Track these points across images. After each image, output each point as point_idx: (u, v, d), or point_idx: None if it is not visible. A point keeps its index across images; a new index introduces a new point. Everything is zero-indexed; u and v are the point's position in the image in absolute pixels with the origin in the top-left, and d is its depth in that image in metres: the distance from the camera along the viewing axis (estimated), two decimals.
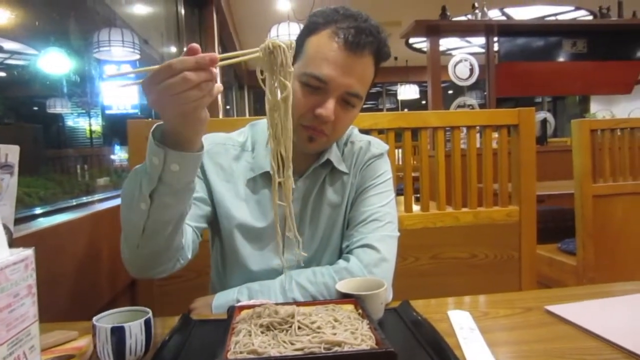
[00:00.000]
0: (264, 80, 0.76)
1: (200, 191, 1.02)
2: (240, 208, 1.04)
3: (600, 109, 8.54)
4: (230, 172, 1.05)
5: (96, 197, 1.76)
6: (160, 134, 0.77)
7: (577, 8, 6.64)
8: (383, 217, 1.05)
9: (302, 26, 1.03)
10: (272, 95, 0.75)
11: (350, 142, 1.11)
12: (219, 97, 4.63)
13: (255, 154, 1.06)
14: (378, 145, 1.13)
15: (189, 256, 0.97)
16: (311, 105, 0.93)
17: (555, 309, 0.88)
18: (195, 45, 0.67)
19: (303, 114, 0.94)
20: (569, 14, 6.79)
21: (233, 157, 1.07)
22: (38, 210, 1.30)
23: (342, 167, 1.07)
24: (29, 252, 0.58)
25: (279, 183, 1.01)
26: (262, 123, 1.09)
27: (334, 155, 1.06)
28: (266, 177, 1.03)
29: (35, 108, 2.11)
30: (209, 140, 1.06)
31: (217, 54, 0.68)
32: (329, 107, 0.92)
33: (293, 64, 0.92)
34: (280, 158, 0.79)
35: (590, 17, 6.46)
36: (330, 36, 0.92)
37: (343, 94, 0.94)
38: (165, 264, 0.92)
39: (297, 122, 0.93)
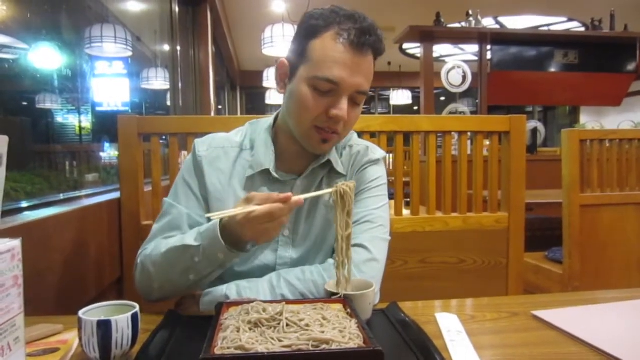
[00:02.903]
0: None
1: (199, 206, 1.05)
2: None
3: (590, 120, 8.62)
4: (229, 174, 1.06)
5: (84, 192, 1.74)
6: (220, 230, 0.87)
7: (570, 19, 6.72)
8: (376, 219, 1.06)
9: (296, 28, 1.05)
10: (341, 230, 0.89)
11: (349, 145, 1.14)
12: (211, 97, 4.61)
13: (255, 152, 1.06)
14: (376, 151, 1.15)
15: None
16: (324, 107, 0.96)
17: (542, 314, 0.88)
18: (290, 195, 0.83)
19: (317, 117, 0.96)
20: (561, 25, 6.88)
21: (233, 159, 1.08)
22: (24, 204, 1.29)
23: (340, 169, 1.09)
24: (15, 243, 0.57)
25: (280, 181, 1.05)
26: (262, 122, 1.12)
27: (333, 156, 1.08)
28: (265, 174, 1.05)
29: (24, 103, 2.08)
30: (207, 144, 1.08)
31: (301, 197, 0.85)
32: (342, 108, 0.95)
33: (297, 69, 0.98)
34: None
35: (583, 29, 6.54)
36: (334, 38, 0.94)
37: (353, 94, 0.96)
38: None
39: (311, 124, 0.97)
